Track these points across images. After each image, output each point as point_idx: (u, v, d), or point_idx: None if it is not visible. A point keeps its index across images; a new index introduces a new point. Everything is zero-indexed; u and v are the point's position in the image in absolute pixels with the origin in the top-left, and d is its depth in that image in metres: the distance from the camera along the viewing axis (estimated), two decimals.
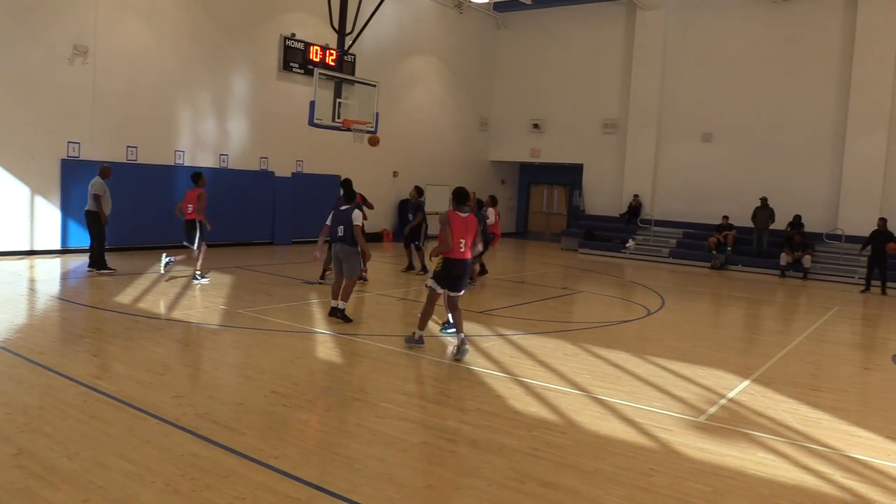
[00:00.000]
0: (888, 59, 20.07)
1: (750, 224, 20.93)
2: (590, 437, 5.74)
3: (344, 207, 9.98)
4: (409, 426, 5.76)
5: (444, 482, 4.81)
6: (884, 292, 16.92)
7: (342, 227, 9.72)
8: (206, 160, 17.95)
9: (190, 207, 12.38)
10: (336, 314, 9.72)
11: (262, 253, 17.68)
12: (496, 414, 6.24)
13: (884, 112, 20.18)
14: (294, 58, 19.42)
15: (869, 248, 17.03)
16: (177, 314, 9.72)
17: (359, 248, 9.78)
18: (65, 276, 12.88)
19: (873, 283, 17.18)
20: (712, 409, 6.66)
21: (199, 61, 17.57)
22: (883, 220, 17.29)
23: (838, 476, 5.20)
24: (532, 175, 30.26)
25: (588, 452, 5.40)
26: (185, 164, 17.36)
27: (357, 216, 9.75)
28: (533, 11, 25.97)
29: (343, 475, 4.72)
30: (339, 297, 9.74)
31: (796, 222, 20.10)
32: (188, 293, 11.38)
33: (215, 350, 8.12)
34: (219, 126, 18.30)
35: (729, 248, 20.95)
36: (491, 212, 14.16)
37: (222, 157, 18.34)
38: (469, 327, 9.87)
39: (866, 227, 18.01)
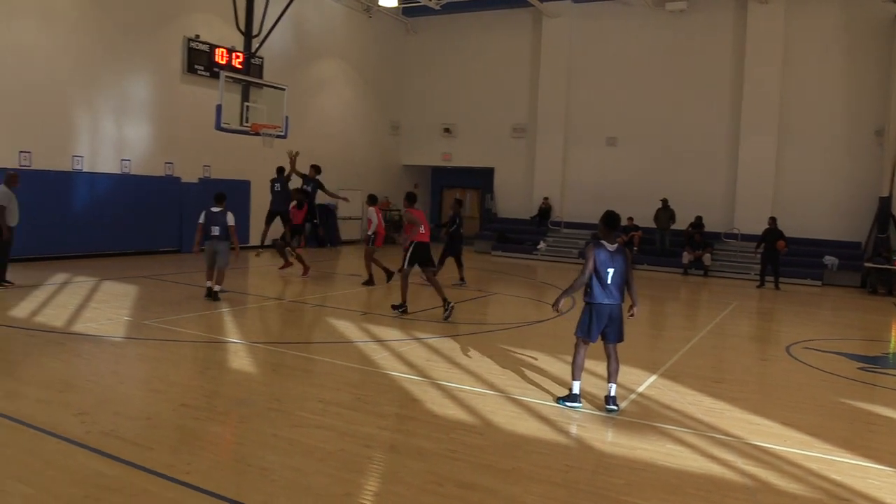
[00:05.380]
0: (775, 65, 21.26)
1: (653, 224, 21.73)
2: (507, 437, 5.82)
3: (216, 210, 11.82)
4: (326, 434, 5.69)
5: (362, 489, 4.78)
6: (777, 287, 17.91)
7: (217, 227, 11.66)
8: (106, 166, 17.18)
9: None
10: (211, 295, 11.59)
11: (170, 261, 17.06)
12: (413, 418, 6.25)
13: (773, 116, 21.36)
14: (199, 60, 18.84)
15: (762, 245, 18.00)
16: (78, 327, 9.26)
17: (230, 244, 11.77)
18: None
19: (767, 278, 18.16)
20: (623, 405, 6.87)
21: (98, 62, 16.79)
22: (773, 220, 18.29)
23: (740, 463, 5.47)
24: (444, 179, 30.40)
25: (505, 452, 5.47)
26: (84, 170, 16.58)
27: (231, 218, 11.78)
28: (442, 17, 26.16)
29: (259, 487, 4.62)
30: (214, 281, 11.70)
31: (697, 223, 21.00)
32: (90, 305, 10.87)
33: (121, 364, 7.78)
34: (120, 130, 17.54)
35: (635, 248, 21.67)
36: (372, 212, 14.17)
37: (124, 162, 17.59)
38: (383, 331, 9.87)
39: (760, 227, 19.00)
